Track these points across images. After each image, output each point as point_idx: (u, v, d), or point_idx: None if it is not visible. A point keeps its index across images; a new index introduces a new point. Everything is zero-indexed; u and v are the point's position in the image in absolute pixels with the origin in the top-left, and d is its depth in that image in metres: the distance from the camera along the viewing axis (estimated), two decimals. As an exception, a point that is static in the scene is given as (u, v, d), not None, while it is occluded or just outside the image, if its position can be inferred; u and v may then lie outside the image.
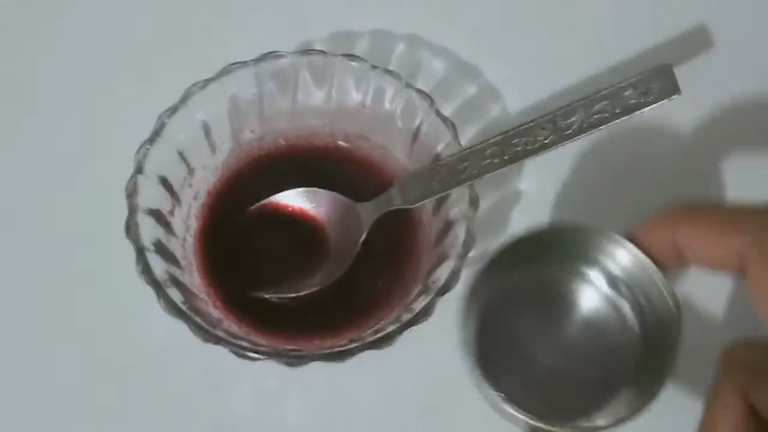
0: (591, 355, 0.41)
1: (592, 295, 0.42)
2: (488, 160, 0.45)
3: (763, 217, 0.36)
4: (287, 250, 0.50)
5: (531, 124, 0.45)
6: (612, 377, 0.40)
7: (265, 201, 0.50)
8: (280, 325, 0.47)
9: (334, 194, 0.49)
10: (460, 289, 0.47)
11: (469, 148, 0.46)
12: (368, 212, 0.48)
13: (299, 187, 0.50)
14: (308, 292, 0.47)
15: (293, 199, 0.50)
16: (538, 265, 0.42)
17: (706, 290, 0.49)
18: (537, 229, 0.42)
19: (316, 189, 0.50)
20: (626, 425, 0.37)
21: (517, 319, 0.42)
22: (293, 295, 0.47)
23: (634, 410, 0.36)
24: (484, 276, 0.41)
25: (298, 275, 0.48)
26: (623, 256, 0.40)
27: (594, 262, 0.42)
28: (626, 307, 0.41)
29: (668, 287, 0.39)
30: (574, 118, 0.44)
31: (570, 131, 0.44)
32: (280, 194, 0.50)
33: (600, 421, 0.38)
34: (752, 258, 0.36)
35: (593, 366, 0.41)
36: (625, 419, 0.37)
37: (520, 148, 0.45)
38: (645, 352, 0.39)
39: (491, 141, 0.45)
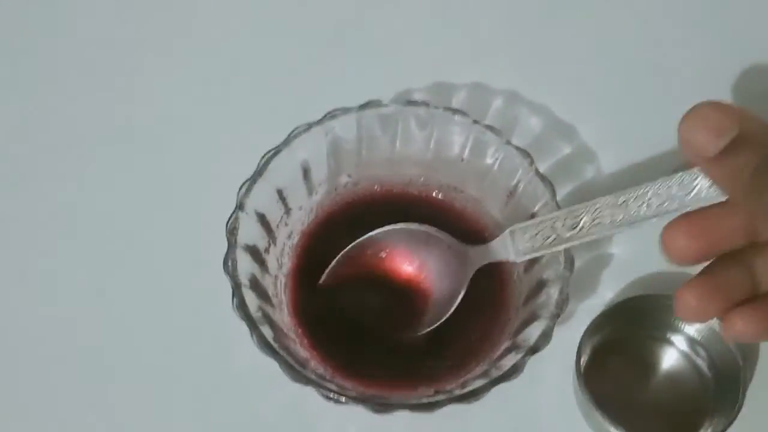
0: (675, 400, 0.49)
1: (673, 353, 0.50)
2: (607, 219, 0.42)
3: None
4: (383, 292, 0.49)
5: (656, 185, 0.40)
6: (691, 417, 0.48)
7: (365, 237, 0.49)
8: (365, 370, 0.47)
9: (440, 233, 0.48)
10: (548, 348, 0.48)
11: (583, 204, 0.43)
12: (477, 257, 0.47)
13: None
14: (400, 339, 0.48)
15: (393, 236, 0.49)
16: (628, 328, 0.50)
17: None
18: (630, 297, 0.49)
19: (419, 226, 0.49)
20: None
21: (613, 369, 0.49)
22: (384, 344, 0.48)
23: None
24: (584, 336, 0.48)
25: (391, 321, 0.48)
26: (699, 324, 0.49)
27: (675, 328, 0.50)
28: (701, 363, 0.49)
29: (735, 346, 0.47)
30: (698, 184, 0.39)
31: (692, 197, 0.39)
32: (381, 230, 0.49)
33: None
34: None
35: (676, 407, 0.49)
36: None
37: (640, 209, 0.41)
38: (718, 396, 0.48)
39: (609, 200, 0.42)
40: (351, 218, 0.52)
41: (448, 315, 0.47)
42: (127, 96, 0.59)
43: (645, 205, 0.40)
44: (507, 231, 0.46)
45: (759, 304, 0.38)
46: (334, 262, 0.49)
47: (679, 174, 0.39)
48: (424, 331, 0.48)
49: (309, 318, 0.49)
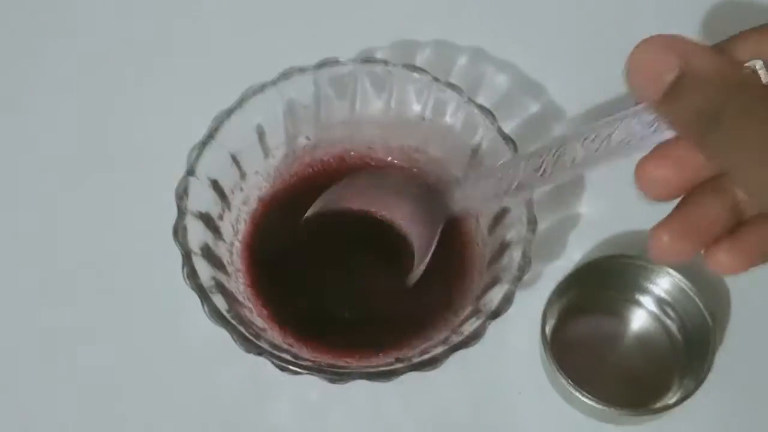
0: (644, 362, 0.48)
1: (643, 315, 0.49)
2: (564, 159, 0.38)
3: None
4: (348, 253, 0.48)
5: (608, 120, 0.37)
6: (660, 378, 0.47)
7: (329, 192, 0.47)
8: (324, 338, 0.46)
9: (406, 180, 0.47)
10: (512, 310, 0.46)
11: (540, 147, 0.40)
12: (444, 206, 0.45)
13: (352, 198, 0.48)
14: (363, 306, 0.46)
15: (358, 188, 0.47)
16: (597, 290, 0.49)
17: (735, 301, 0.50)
18: (597, 258, 0.48)
19: (384, 173, 0.47)
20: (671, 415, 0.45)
21: (582, 332, 0.49)
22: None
23: (676, 403, 0.44)
24: (551, 299, 0.46)
25: (356, 283, 0.47)
26: (667, 283, 0.48)
27: (644, 289, 0.49)
28: (671, 324, 0.48)
29: (705, 305, 0.46)
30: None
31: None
32: (343, 183, 0.47)
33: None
34: None
35: (646, 369, 0.48)
36: (666, 409, 0.44)
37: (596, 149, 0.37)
38: (688, 357, 0.47)
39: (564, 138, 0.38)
40: (311, 182, 0.50)
41: (421, 268, 0.46)
42: (72, 57, 0.57)
43: (606, 142, 0.37)
44: (469, 178, 0.45)
45: (741, 234, 0.35)
46: (290, 228, 0.47)
47: (640, 108, 0.36)
48: (394, 286, 0.47)
49: (267, 286, 0.47)
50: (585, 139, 0.37)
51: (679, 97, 0.32)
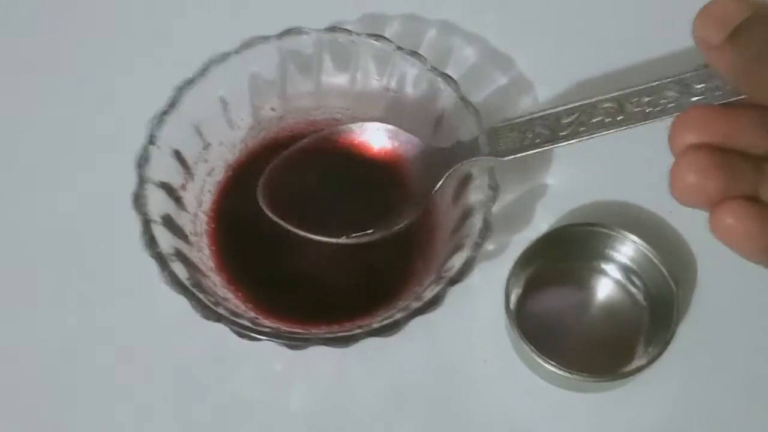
0: (609, 329, 0.48)
1: (607, 282, 0.49)
2: (600, 118, 0.39)
3: None
4: (323, 208, 0.45)
5: (656, 83, 0.38)
6: (625, 345, 0.47)
7: (304, 142, 0.45)
8: (289, 309, 0.45)
9: (398, 132, 0.44)
10: (477, 280, 0.46)
11: (579, 101, 0.40)
12: (444, 161, 0.43)
13: (319, 169, 0.47)
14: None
15: (338, 139, 0.45)
16: (561, 259, 0.48)
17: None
18: (561, 227, 0.48)
19: (378, 124, 0.45)
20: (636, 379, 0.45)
21: (546, 301, 0.48)
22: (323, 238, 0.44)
23: (640, 368, 0.44)
24: (514, 269, 0.46)
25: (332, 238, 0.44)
26: (632, 250, 0.48)
27: (608, 257, 0.49)
28: (636, 291, 0.48)
29: (669, 271, 0.46)
30: (703, 86, 0.38)
31: (698, 98, 0.37)
32: (325, 132, 0.46)
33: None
34: None
35: (610, 337, 0.48)
36: (630, 374, 0.44)
37: (639, 110, 0.38)
38: (653, 323, 0.47)
39: (607, 96, 0.39)
40: (277, 153, 0.50)
41: (408, 222, 0.43)
42: (33, 25, 0.56)
43: (637, 106, 0.38)
44: (481, 131, 0.43)
45: (756, 203, 0.35)
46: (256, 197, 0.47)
47: (678, 75, 0.36)
48: (361, 255, 0.45)
49: (232, 257, 0.47)
50: (627, 100, 0.38)
51: (744, 36, 0.33)
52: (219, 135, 0.48)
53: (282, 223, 0.44)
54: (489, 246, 0.49)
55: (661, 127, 0.52)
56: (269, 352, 0.44)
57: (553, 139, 0.40)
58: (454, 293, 0.43)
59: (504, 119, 0.42)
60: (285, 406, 0.47)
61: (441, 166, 0.43)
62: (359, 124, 0.46)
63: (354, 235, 0.44)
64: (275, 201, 0.44)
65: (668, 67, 0.40)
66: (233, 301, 0.45)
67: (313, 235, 0.44)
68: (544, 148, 0.41)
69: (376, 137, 0.45)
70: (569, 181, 0.52)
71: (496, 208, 0.49)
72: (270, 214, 0.44)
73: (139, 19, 0.57)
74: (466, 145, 0.43)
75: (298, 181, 0.45)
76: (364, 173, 0.45)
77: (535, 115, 0.41)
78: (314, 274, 0.47)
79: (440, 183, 0.43)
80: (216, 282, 0.46)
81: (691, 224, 0.49)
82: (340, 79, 0.49)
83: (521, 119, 0.41)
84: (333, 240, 0.44)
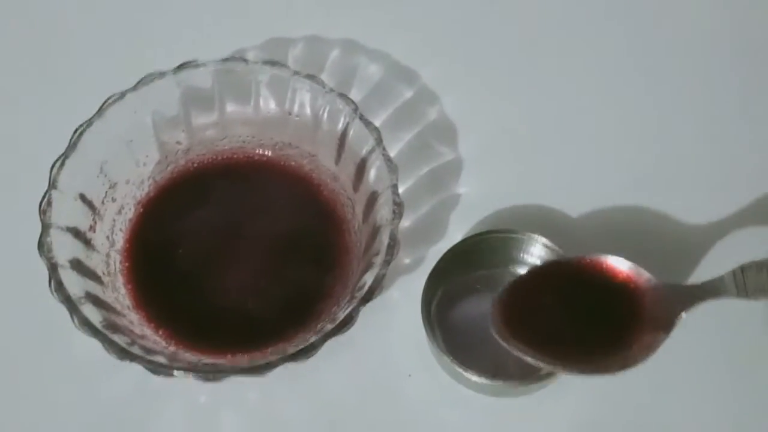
0: None
1: None
2: None
3: None
4: (238, 250, 0.48)
5: None
6: None
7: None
8: (211, 340, 0.46)
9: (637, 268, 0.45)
10: (397, 295, 0.47)
11: None
12: (683, 299, 0.43)
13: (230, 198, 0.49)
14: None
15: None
16: (477, 267, 0.49)
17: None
18: (473, 236, 0.48)
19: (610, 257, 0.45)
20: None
21: (465, 309, 0.49)
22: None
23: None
24: (429, 281, 0.47)
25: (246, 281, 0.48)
26: (541, 251, 0.48)
27: (522, 261, 0.49)
28: None
29: None
30: None
31: None
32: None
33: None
34: None
35: None
36: (552, 375, 0.44)
37: None
38: None
39: None
40: (187, 186, 0.50)
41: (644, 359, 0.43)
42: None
43: None
44: (732, 270, 0.43)
45: None
46: (170, 232, 0.48)
47: None
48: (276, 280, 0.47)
49: (149, 293, 0.47)
50: None
51: None
52: (125, 173, 0.48)
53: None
54: (405, 260, 0.49)
55: (561, 132, 0.54)
56: (192, 386, 0.44)
57: None
58: (374, 309, 0.43)
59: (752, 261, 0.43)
60: (215, 438, 0.47)
61: (678, 303, 0.43)
62: (598, 255, 0.45)
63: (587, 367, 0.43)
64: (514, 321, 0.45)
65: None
66: (152, 337, 0.45)
67: (547, 364, 0.43)
68: None
69: (614, 268, 0.45)
70: (479, 189, 0.52)
71: (409, 222, 0.50)
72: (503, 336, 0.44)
73: (36, 57, 0.56)
74: (711, 284, 0.43)
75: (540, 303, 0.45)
76: (602, 302, 0.45)
77: None
78: (234, 303, 0.47)
79: (679, 320, 0.43)
80: (134, 320, 0.46)
81: (597, 223, 0.50)
82: (242, 108, 0.49)
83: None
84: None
